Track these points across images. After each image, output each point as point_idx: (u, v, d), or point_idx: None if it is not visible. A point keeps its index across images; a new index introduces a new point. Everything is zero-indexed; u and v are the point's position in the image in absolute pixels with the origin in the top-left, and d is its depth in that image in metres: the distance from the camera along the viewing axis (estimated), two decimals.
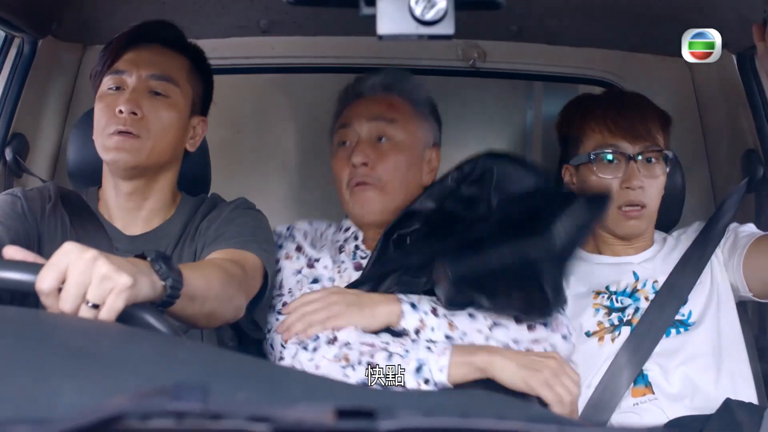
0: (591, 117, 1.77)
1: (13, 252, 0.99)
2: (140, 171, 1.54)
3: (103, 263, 0.94)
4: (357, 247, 1.71)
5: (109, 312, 0.93)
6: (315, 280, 1.66)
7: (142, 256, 1.05)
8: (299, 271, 1.66)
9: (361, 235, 1.72)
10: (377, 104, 1.74)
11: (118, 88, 1.53)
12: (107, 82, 1.54)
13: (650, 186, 1.73)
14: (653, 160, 1.74)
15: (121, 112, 1.49)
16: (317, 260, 1.69)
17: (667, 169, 1.77)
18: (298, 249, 1.70)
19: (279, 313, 1.61)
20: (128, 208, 1.58)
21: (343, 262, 1.68)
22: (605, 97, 1.83)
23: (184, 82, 1.58)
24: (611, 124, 1.74)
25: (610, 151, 1.73)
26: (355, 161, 1.68)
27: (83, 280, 0.93)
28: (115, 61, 1.54)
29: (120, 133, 1.49)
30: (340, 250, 1.72)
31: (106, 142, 1.50)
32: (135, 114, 1.50)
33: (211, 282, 1.23)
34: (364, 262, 1.67)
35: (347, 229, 1.76)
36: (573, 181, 1.82)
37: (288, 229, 1.76)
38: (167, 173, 1.59)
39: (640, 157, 1.72)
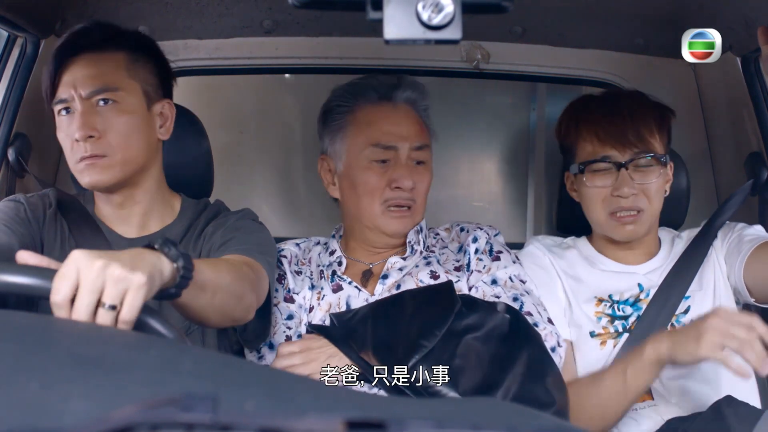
0: (583, 125, 1.73)
1: (26, 257, 0.99)
2: (121, 183, 1.54)
3: (115, 267, 0.94)
4: (334, 272, 1.72)
5: (130, 310, 0.93)
6: (290, 317, 1.66)
7: (149, 247, 1.05)
8: (275, 305, 1.66)
9: (345, 262, 1.74)
10: (412, 125, 1.72)
11: (68, 111, 1.51)
12: (56, 108, 1.52)
13: (645, 190, 1.70)
14: (645, 165, 1.70)
15: (77, 140, 1.48)
16: (296, 293, 1.69)
17: (668, 169, 1.73)
18: (280, 280, 1.70)
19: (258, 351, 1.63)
20: (122, 215, 1.58)
21: (322, 288, 1.69)
22: (597, 102, 1.77)
23: (126, 80, 1.53)
24: (601, 132, 1.70)
25: (600, 160, 1.70)
26: (405, 185, 1.68)
27: (96, 286, 0.93)
28: (55, 86, 1.51)
29: (84, 159, 1.48)
30: (321, 274, 1.73)
31: (77, 168, 1.51)
32: (92, 137, 1.48)
33: (221, 273, 1.23)
34: (343, 284, 1.69)
35: (332, 252, 1.77)
36: (573, 188, 1.80)
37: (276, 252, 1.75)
38: (150, 171, 1.58)
39: (631, 165, 1.69)
